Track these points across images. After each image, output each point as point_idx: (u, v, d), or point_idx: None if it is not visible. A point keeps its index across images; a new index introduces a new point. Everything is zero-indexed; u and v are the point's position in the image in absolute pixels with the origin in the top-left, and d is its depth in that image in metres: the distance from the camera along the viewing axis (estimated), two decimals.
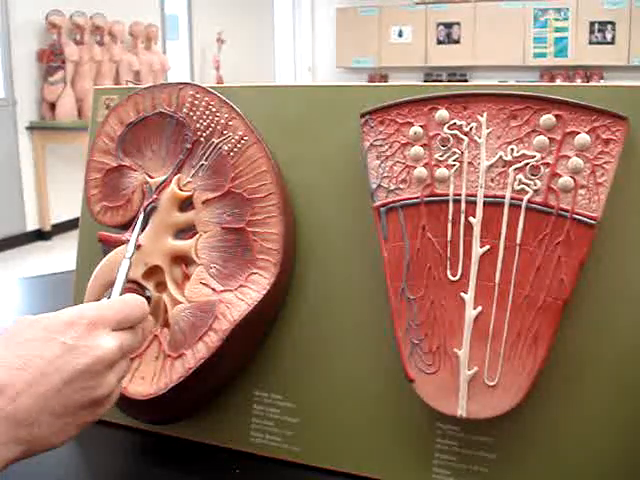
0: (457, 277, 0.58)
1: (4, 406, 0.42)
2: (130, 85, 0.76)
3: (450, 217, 0.59)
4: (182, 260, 0.66)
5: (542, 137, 0.57)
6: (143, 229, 0.65)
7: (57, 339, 0.45)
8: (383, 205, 0.61)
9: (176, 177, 0.67)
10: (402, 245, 0.60)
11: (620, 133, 0.56)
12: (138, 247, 0.64)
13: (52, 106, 4.88)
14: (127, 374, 0.51)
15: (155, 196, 0.66)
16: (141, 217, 0.66)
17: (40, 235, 4.92)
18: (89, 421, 0.47)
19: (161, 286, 0.65)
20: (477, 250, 0.58)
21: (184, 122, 0.67)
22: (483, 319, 0.57)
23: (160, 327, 0.64)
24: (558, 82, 7.26)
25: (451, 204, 0.59)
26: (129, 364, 0.50)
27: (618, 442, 0.57)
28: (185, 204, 0.67)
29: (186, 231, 0.67)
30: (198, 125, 0.67)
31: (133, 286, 0.63)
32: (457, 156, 0.59)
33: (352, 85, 0.68)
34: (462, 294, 0.58)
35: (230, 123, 0.66)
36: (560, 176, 0.56)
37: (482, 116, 0.59)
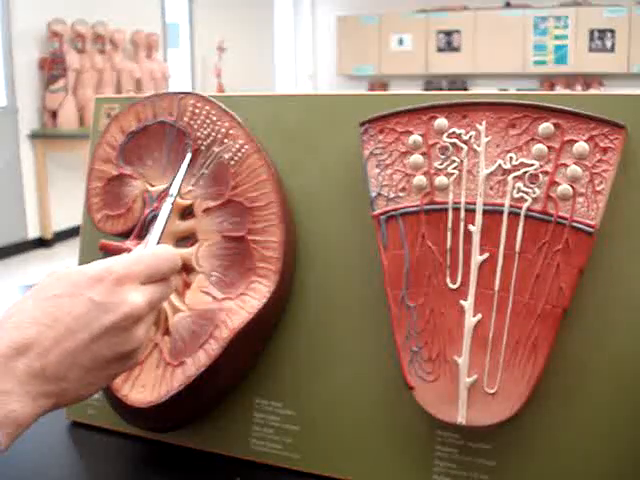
0: (456, 285, 0.59)
1: (33, 363, 0.42)
2: (131, 94, 0.76)
3: (449, 225, 0.59)
4: (183, 268, 0.66)
5: (541, 145, 0.58)
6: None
7: (85, 295, 0.45)
8: (383, 213, 0.61)
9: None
10: (402, 253, 0.60)
11: (618, 141, 0.56)
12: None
13: (53, 114, 4.90)
14: (153, 327, 0.50)
15: (156, 204, 0.66)
16: (188, 158, 0.65)
17: (41, 243, 4.92)
18: (119, 373, 0.48)
19: None
20: (476, 258, 0.58)
21: (185, 131, 0.68)
22: (482, 327, 0.57)
23: (161, 335, 0.64)
24: (557, 89, 7.28)
25: (450, 212, 0.59)
26: (157, 315, 0.50)
27: (618, 448, 0.57)
28: (186, 212, 0.67)
29: (187, 239, 0.67)
30: (199, 134, 0.67)
31: None
32: (456, 164, 0.60)
33: (352, 94, 0.69)
34: (462, 302, 0.58)
35: (230, 132, 0.66)
36: (559, 184, 0.57)
37: (481, 125, 0.60)
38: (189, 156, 0.66)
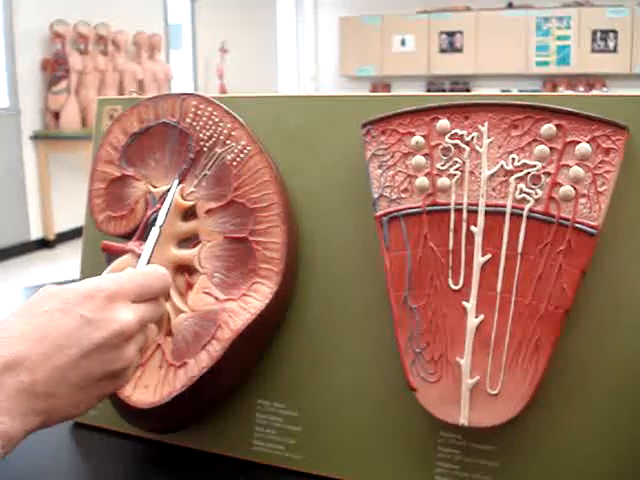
0: (459, 286, 0.59)
1: (22, 378, 0.42)
2: (134, 95, 0.77)
3: (452, 226, 0.59)
4: (185, 269, 0.66)
5: (543, 146, 0.58)
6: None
7: (75, 312, 0.45)
8: (385, 214, 0.61)
9: (179, 187, 0.67)
10: (404, 254, 0.60)
11: (620, 142, 0.56)
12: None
13: (56, 115, 4.90)
14: (147, 344, 0.50)
15: (158, 206, 0.67)
16: (175, 184, 0.66)
17: (44, 244, 4.93)
18: (108, 392, 0.47)
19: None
20: (478, 259, 0.58)
21: (187, 132, 0.68)
22: (485, 328, 0.57)
23: (163, 336, 0.64)
24: (560, 90, 7.27)
25: (453, 213, 0.59)
26: (147, 335, 0.50)
27: (620, 449, 0.57)
28: (188, 213, 0.67)
29: (189, 240, 0.67)
30: (201, 135, 0.67)
31: None
32: (458, 165, 0.60)
33: (354, 95, 0.69)
34: (464, 303, 0.58)
35: (233, 133, 0.67)
36: (561, 185, 0.57)
37: (483, 126, 0.60)
38: (176, 182, 0.66)
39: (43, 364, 0.43)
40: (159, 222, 0.60)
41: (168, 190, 0.66)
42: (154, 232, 0.58)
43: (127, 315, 0.47)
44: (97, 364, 0.45)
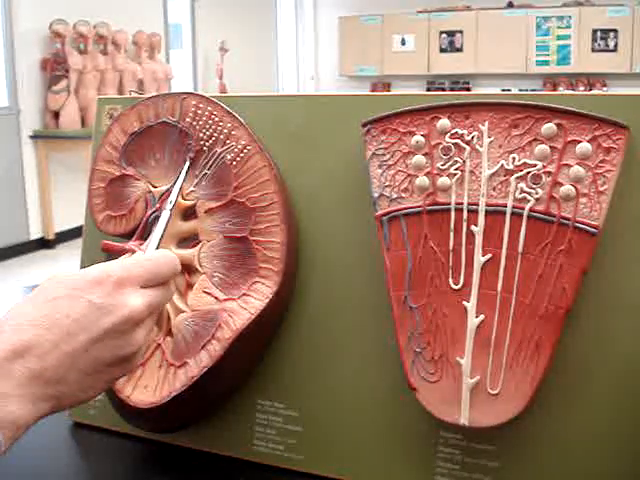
0: (459, 286, 0.59)
1: (31, 365, 0.42)
2: (134, 95, 0.76)
3: (452, 226, 0.59)
4: (185, 269, 0.66)
5: (543, 146, 0.58)
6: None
7: (84, 298, 0.45)
8: (385, 214, 0.61)
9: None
10: (404, 254, 0.60)
11: (621, 142, 0.56)
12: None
13: (56, 115, 4.90)
14: (155, 329, 0.50)
15: (158, 205, 0.66)
16: (186, 166, 0.66)
17: (44, 243, 4.93)
18: (118, 377, 0.48)
19: None
20: (479, 259, 0.58)
21: (187, 131, 0.68)
22: (485, 327, 0.57)
23: (163, 336, 0.64)
24: (560, 90, 7.27)
25: (453, 213, 0.59)
26: (155, 319, 0.50)
27: (621, 449, 0.57)
28: (188, 213, 0.67)
29: (189, 240, 0.67)
30: (201, 134, 0.67)
31: None
32: (459, 165, 0.60)
33: (354, 94, 0.69)
34: (464, 302, 0.58)
35: (233, 132, 0.66)
36: (561, 185, 0.57)
37: (483, 125, 0.59)
38: (187, 164, 0.66)
39: (52, 351, 0.43)
40: (169, 206, 0.60)
41: (179, 174, 0.66)
42: (164, 216, 0.58)
43: (136, 300, 0.47)
44: (106, 350, 0.45)
